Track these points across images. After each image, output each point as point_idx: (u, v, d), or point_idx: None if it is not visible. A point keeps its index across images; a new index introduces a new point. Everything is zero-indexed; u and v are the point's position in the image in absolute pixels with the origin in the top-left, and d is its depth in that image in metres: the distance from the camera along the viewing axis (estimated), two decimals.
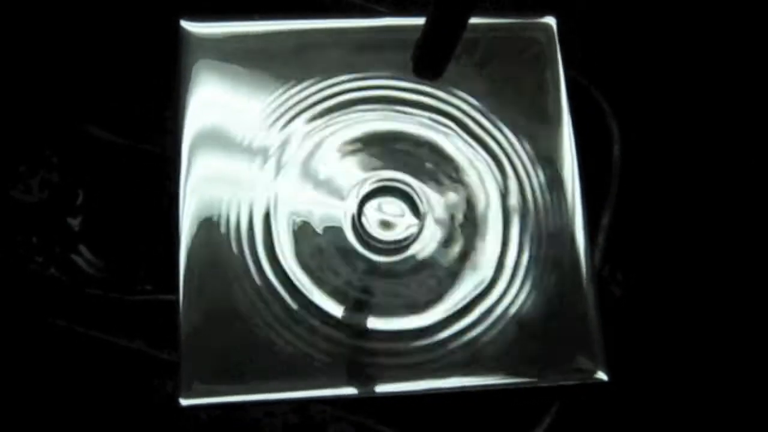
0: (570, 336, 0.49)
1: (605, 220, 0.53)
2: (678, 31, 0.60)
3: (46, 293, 0.55)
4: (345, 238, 0.49)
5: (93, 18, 0.60)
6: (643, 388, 0.53)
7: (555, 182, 0.51)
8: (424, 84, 0.51)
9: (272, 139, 0.51)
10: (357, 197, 0.49)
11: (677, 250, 0.56)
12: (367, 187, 0.49)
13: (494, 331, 0.49)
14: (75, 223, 0.57)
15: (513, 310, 0.49)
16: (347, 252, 0.49)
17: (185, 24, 0.52)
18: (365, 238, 0.49)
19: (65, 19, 0.59)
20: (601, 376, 0.48)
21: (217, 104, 0.51)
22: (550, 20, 0.54)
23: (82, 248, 0.56)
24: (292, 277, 0.48)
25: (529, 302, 0.49)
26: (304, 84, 0.52)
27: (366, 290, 0.49)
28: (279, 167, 0.50)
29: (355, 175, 0.50)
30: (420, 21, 0.50)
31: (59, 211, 0.56)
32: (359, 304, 0.48)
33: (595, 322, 0.49)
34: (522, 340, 0.49)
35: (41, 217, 0.56)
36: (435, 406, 0.51)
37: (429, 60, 0.38)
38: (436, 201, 0.50)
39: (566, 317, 0.49)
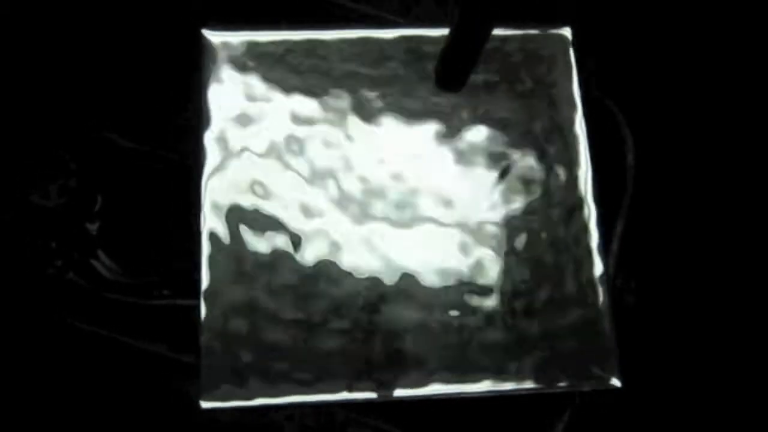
0: (584, 343, 0.50)
1: (619, 229, 0.53)
2: (690, 40, 0.60)
3: (66, 297, 0.55)
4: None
5: (112, 25, 0.60)
6: (657, 395, 0.54)
7: (569, 191, 0.52)
8: (439, 95, 0.52)
9: (294, 147, 0.51)
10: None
11: (691, 259, 0.56)
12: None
13: (509, 338, 0.49)
14: (93, 228, 0.57)
15: (528, 317, 0.50)
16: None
17: (207, 33, 0.53)
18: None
19: (84, 25, 0.60)
20: (615, 382, 0.49)
21: (239, 112, 0.52)
22: (566, 31, 0.55)
23: (100, 253, 0.57)
24: (312, 282, 0.49)
25: (543, 309, 0.50)
26: (325, 92, 0.52)
27: (382, 296, 0.49)
28: (301, 175, 0.51)
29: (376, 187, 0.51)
30: (435, 31, 0.52)
31: (77, 216, 0.57)
32: (376, 308, 0.49)
33: (608, 329, 0.50)
34: (536, 347, 0.49)
35: (60, 222, 0.57)
36: (451, 412, 0.52)
37: (452, 72, 0.39)
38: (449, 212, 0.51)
39: (580, 324, 0.50)
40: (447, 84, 0.39)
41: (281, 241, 0.50)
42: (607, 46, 0.58)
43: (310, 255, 0.50)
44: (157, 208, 0.57)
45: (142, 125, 0.59)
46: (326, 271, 0.49)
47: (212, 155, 0.51)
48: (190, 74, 0.56)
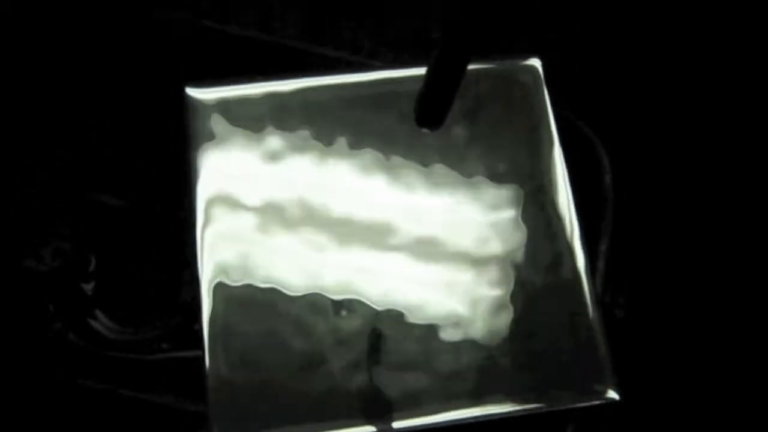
0: (579, 359, 0.51)
1: (603, 247, 0.55)
2: (657, 61, 0.63)
3: (68, 358, 0.56)
4: None
5: (94, 85, 0.62)
6: (654, 405, 0.55)
7: (552, 214, 0.54)
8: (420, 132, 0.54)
9: (284, 194, 0.53)
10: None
11: (675, 270, 0.58)
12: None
13: (506, 363, 0.50)
14: (89, 288, 0.58)
15: (521, 338, 0.51)
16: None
17: (190, 90, 0.54)
18: None
19: (68, 87, 0.62)
20: (612, 395, 0.50)
21: (228, 166, 0.53)
22: (535, 62, 0.57)
23: (98, 313, 0.57)
24: (312, 323, 0.50)
25: (535, 330, 0.51)
26: (311, 140, 0.54)
27: (379, 334, 0.51)
28: (294, 220, 0.52)
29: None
30: (414, 71, 0.54)
31: (73, 277, 0.58)
32: (376, 344, 0.50)
33: (601, 343, 0.51)
34: (532, 367, 0.51)
35: (56, 285, 0.58)
36: None
37: (431, 111, 0.40)
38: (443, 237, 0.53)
39: (574, 342, 0.51)
40: (426, 122, 0.41)
41: (279, 285, 0.51)
42: (576, 71, 0.61)
43: (308, 297, 0.51)
44: (150, 262, 0.59)
45: (128, 183, 0.60)
46: (325, 310, 0.51)
47: (204, 209, 0.52)
48: (176, 131, 0.57)
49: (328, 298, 0.51)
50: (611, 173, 0.57)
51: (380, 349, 0.50)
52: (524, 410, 0.50)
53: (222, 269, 0.51)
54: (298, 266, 0.52)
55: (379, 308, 0.51)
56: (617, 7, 0.64)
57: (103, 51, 0.63)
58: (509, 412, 0.50)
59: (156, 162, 0.60)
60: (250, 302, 0.51)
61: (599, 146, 0.57)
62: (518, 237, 0.53)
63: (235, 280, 0.51)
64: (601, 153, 0.57)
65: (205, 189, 0.53)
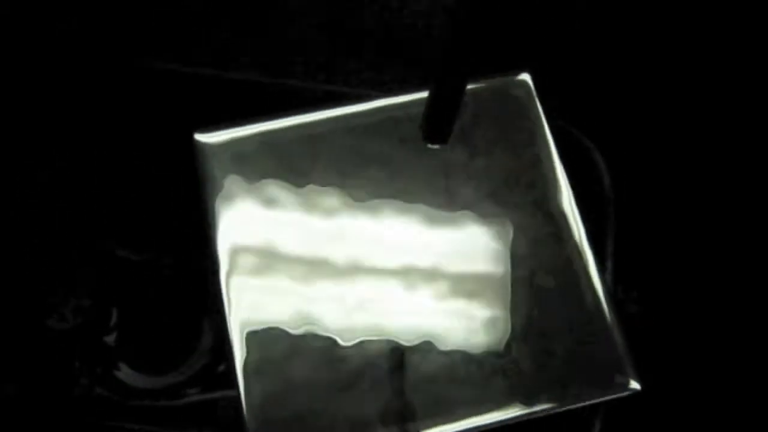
0: (598, 355, 0.53)
1: (610, 245, 0.57)
2: (641, 62, 0.65)
3: (97, 412, 0.57)
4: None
5: (93, 139, 0.63)
6: (676, 395, 0.57)
7: (557, 219, 0.56)
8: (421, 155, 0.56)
9: (302, 233, 0.55)
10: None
11: (682, 262, 0.60)
12: None
13: (529, 366, 0.52)
14: (111, 340, 0.59)
15: (540, 340, 0.53)
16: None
17: (199, 136, 0.56)
18: None
19: (76, 141, 0.63)
20: (635, 386, 0.52)
21: (245, 209, 0.55)
22: (526, 76, 0.59)
23: (122, 365, 0.59)
24: (338, 355, 0.52)
25: (553, 332, 0.53)
26: (320, 173, 0.56)
27: (402, 353, 0.52)
28: (312, 257, 0.54)
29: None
30: (411, 96, 0.56)
31: (95, 332, 0.59)
32: (400, 363, 0.52)
33: (619, 337, 0.53)
34: (553, 368, 0.52)
35: (79, 341, 0.59)
36: None
37: (436, 127, 0.42)
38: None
39: (591, 339, 0.53)
40: (433, 138, 0.43)
41: (304, 321, 0.53)
42: (567, 82, 0.63)
43: (335, 329, 0.52)
44: (169, 312, 0.60)
45: (141, 235, 0.61)
46: (349, 337, 0.52)
47: (226, 255, 0.54)
48: (181, 178, 0.58)
49: (352, 327, 0.52)
50: (609, 175, 0.59)
51: (405, 368, 0.52)
52: (549, 409, 0.51)
53: (249, 310, 0.52)
54: (321, 301, 0.53)
55: (400, 329, 0.53)
56: (595, 14, 0.66)
57: (95, 104, 0.64)
58: (535, 413, 0.51)
59: (166, 212, 0.62)
60: (278, 340, 0.52)
61: (595, 151, 0.59)
62: (527, 245, 0.55)
63: (263, 321, 0.52)
64: (597, 157, 0.59)
65: (225, 234, 0.54)
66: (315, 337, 0.52)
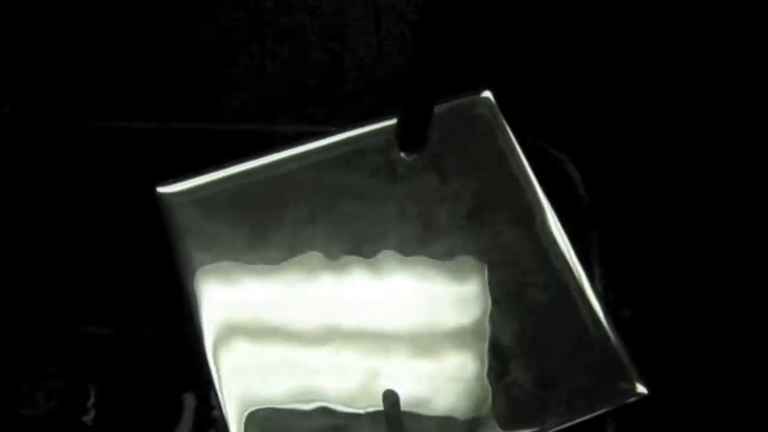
0: (600, 364, 0.51)
1: (595, 255, 0.56)
2: (606, 72, 0.65)
3: None
4: None
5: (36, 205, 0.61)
6: (681, 396, 0.55)
7: (539, 233, 0.55)
8: (398, 180, 0.55)
9: (279, 283, 0.53)
10: None
11: (669, 264, 0.59)
12: None
13: (528, 383, 0.51)
14: (89, 419, 0.57)
15: (540, 358, 0.51)
16: None
17: (162, 189, 0.54)
18: None
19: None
20: (641, 390, 0.51)
21: (220, 261, 0.53)
22: (487, 94, 0.58)
23: None
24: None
25: (552, 347, 0.52)
26: (292, 213, 0.54)
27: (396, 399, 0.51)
28: (294, 309, 0.52)
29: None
30: (375, 126, 0.56)
31: (71, 413, 0.56)
32: (397, 401, 0.50)
33: (617, 343, 0.52)
34: (557, 383, 0.51)
35: (54, 425, 0.56)
36: None
37: (412, 134, 0.41)
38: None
39: (591, 348, 0.52)
40: (409, 146, 0.42)
41: (301, 392, 0.50)
42: (531, 96, 0.62)
43: (332, 397, 0.50)
44: (148, 384, 0.57)
45: (107, 307, 0.59)
46: (350, 406, 0.50)
47: (208, 323, 0.51)
48: (146, 238, 0.56)
49: (349, 393, 0.50)
50: (584, 184, 0.58)
51: (406, 404, 0.50)
52: (558, 426, 0.50)
53: (243, 387, 0.50)
54: (310, 351, 0.51)
55: (399, 366, 0.51)
56: (552, 26, 0.67)
57: (46, 170, 0.63)
58: (549, 429, 0.50)
59: (132, 278, 0.59)
60: (276, 417, 0.50)
61: (567, 162, 0.59)
62: (512, 263, 0.54)
63: (259, 398, 0.50)
64: (570, 168, 0.59)
65: (203, 297, 0.52)
66: (314, 409, 0.50)
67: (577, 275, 0.53)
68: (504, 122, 0.57)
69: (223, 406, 0.50)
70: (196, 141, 0.62)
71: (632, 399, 0.50)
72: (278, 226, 0.54)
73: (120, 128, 0.62)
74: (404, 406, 0.49)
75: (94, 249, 0.60)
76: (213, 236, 0.53)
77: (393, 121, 0.56)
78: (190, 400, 0.56)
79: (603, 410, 0.50)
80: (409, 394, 0.50)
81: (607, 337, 0.52)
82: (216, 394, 0.50)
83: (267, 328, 0.51)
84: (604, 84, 0.65)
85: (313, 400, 0.50)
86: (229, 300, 0.52)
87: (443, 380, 0.51)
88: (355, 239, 0.54)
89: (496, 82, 0.59)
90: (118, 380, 0.57)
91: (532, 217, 0.55)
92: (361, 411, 0.50)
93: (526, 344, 0.51)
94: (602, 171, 0.61)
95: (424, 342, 0.51)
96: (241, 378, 0.50)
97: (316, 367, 0.50)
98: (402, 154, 0.53)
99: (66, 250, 0.60)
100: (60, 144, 0.63)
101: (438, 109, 0.56)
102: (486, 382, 0.50)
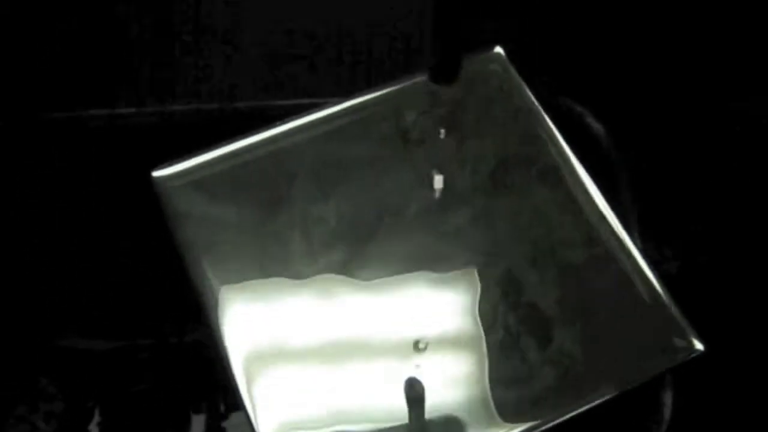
0: (652, 322, 0.48)
1: (628, 207, 0.53)
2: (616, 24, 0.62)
3: None
4: None
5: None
6: (737, 352, 0.52)
7: (569, 188, 0.51)
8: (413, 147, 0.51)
9: (306, 266, 0.48)
10: None
11: (707, 209, 0.56)
12: None
13: (581, 350, 0.46)
14: None
15: (590, 323, 0.47)
16: None
17: (158, 173, 0.50)
18: None
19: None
20: (698, 346, 0.47)
21: (230, 249, 0.49)
22: (499, 50, 0.55)
23: None
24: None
25: (599, 311, 0.48)
26: (302, 192, 0.50)
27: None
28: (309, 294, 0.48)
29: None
30: (382, 91, 0.52)
31: None
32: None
33: (668, 300, 0.48)
34: (611, 347, 0.47)
35: None
36: None
37: (445, 66, 0.39)
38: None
39: (641, 308, 0.48)
40: (442, 77, 0.39)
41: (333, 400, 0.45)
42: (542, 50, 0.59)
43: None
44: (153, 399, 0.53)
45: (112, 318, 0.55)
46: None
47: (236, 343, 0.46)
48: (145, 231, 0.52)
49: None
50: (607, 136, 0.55)
51: (444, 384, 0.45)
52: (613, 392, 0.46)
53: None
54: (342, 355, 0.46)
55: (433, 343, 0.46)
56: None
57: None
58: (598, 399, 0.45)
59: (128, 288, 0.55)
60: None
61: (587, 115, 0.56)
62: (542, 222, 0.50)
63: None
64: (591, 121, 0.56)
65: (219, 292, 0.47)
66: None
67: (616, 231, 0.50)
68: (519, 78, 0.54)
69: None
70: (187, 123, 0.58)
71: (690, 356, 0.47)
72: (288, 205, 0.50)
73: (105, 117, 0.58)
74: (442, 386, 0.45)
75: (92, 254, 0.57)
76: (218, 220, 0.49)
77: (397, 87, 0.53)
78: (198, 422, 0.53)
79: (658, 372, 0.47)
80: (444, 373, 0.46)
81: (657, 294, 0.48)
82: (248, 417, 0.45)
83: (297, 336, 0.46)
84: (612, 32, 0.61)
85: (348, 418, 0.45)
86: (250, 301, 0.47)
87: (481, 359, 0.46)
88: (373, 212, 0.50)
89: (503, 38, 0.55)
90: (122, 399, 0.53)
91: (560, 174, 0.52)
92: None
93: (569, 309, 0.48)
94: (624, 122, 0.58)
95: (460, 318, 0.47)
96: (274, 400, 0.45)
97: (348, 378, 0.46)
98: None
99: (63, 256, 0.57)
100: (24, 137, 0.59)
101: None
102: (530, 354, 0.46)
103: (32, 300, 0.55)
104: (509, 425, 0.44)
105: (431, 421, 0.44)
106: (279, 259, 0.48)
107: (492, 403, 0.45)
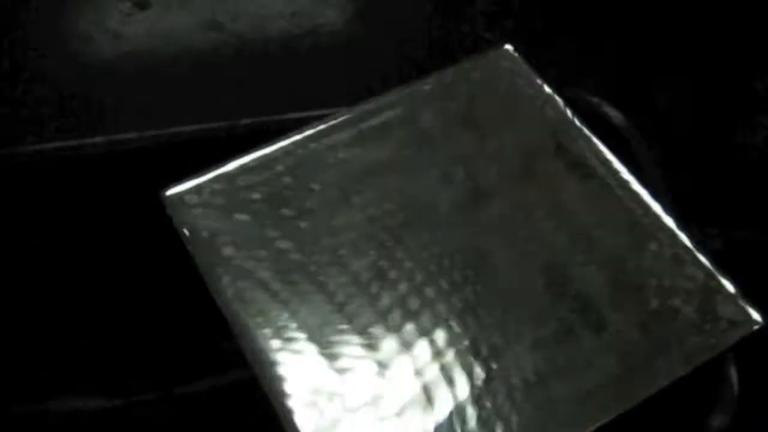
0: (706, 301, 0.45)
1: (665, 189, 0.51)
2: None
3: None
4: None
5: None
6: None
7: (601, 175, 0.49)
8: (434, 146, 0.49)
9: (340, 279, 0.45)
10: None
11: (742, 185, 0.54)
12: None
13: (631, 332, 0.44)
14: None
15: (644, 308, 0.45)
16: None
17: (170, 192, 0.47)
18: None
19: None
20: (756, 317, 0.45)
21: (255, 270, 0.45)
22: (508, 47, 0.54)
23: None
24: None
25: (652, 293, 0.46)
26: (323, 203, 0.48)
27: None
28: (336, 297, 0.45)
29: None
30: (399, 94, 0.50)
31: None
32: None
33: (720, 276, 0.46)
34: (669, 328, 0.44)
35: None
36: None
37: None
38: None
39: (693, 287, 0.46)
40: None
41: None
42: (550, 46, 0.58)
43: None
44: None
45: (106, 376, 0.51)
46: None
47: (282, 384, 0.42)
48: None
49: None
50: (626, 123, 0.53)
51: (497, 381, 0.42)
52: (675, 376, 0.43)
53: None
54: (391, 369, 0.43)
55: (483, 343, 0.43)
56: None
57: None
58: (660, 384, 0.43)
59: (131, 338, 0.52)
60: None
61: (604, 104, 0.54)
62: (579, 209, 0.48)
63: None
64: (608, 109, 0.54)
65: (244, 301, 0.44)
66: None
67: (654, 211, 0.48)
68: (532, 72, 0.53)
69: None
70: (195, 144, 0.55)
71: (751, 330, 0.45)
72: (309, 215, 0.47)
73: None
74: (496, 383, 0.42)
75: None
76: (238, 238, 0.46)
77: (411, 89, 0.52)
78: None
79: (726, 346, 0.44)
80: (501, 372, 0.43)
81: (708, 272, 0.46)
82: None
83: (344, 356, 0.43)
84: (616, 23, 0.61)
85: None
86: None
87: (531, 352, 0.43)
88: (401, 215, 0.47)
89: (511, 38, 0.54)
90: None
91: (589, 161, 0.50)
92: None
93: (617, 294, 0.45)
94: (639, 109, 0.56)
95: (509, 313, 0.45)
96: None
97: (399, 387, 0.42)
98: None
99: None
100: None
101: (461, 68, 0.53)
102: (582, 343, 0.44)
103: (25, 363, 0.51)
104: (579, 420, 0.41)
105: (490, 421, 0.41)
106: (306, 272, 0.45)
107: (556, 399, 0.42)
